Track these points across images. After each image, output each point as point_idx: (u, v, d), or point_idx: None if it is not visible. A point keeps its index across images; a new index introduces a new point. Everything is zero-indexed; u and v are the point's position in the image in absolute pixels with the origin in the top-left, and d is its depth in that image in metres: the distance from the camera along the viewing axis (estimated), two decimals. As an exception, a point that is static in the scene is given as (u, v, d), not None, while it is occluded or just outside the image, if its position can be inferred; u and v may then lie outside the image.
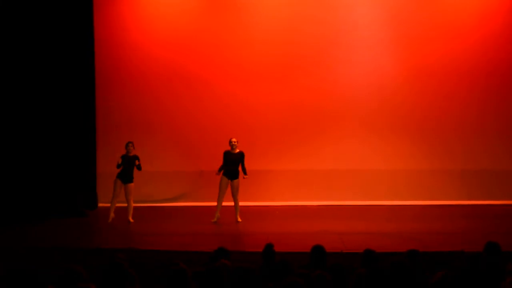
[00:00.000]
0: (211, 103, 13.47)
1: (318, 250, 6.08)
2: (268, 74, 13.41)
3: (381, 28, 13.35)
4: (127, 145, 11.38)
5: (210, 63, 13.48)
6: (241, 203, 12.69)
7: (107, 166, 13.31)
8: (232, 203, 11.27)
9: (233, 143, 11.20)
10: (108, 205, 12.36)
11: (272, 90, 13.39)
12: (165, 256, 8.12)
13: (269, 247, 6.33)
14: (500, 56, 13.17)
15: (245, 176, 11.16)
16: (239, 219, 11.17)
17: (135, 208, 12.54)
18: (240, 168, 11.18)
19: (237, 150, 11.20)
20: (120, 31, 13.53)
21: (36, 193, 12.09)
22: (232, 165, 11.16)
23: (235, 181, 11.18)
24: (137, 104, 13.54)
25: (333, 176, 12.93)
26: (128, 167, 11.34)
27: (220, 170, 11.15)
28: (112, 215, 11.34)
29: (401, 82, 13.30)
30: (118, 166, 11.30)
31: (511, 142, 13.25)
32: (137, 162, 11.33)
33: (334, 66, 13.36)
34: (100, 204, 13.16)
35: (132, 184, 11.41)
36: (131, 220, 11.40)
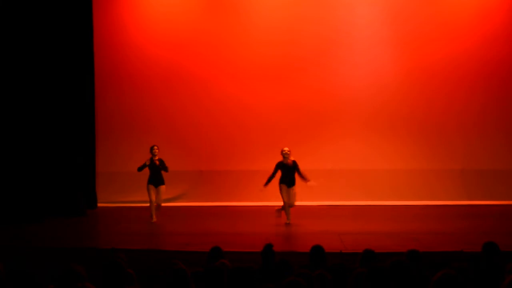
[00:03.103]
0: (210, 103, 13.46)
1: (317, 250, 6.08)
2: (267, 75, 13.40)
3: (381, 29, 13.34)
4: (152, 149, 11.34)
5: (209, 64, 13.47)
6: (238, 203, 12.73)
7: (106, 166, 13.34)
8: (225, 204, 11.20)
9: (285, 153, 11.14)
10: (109, 204, 12.43)
11: (271, 90, 13.38)
12: (165, 256, 8.12)
13: (268, 247, 6.33)
14: (500, 56, 13.15)
15: (308, 182, 11.06)
16: (289, 221, 11.05)
17: (134, 208, 12.60)
18: (296, 176, 11.11)
19: (291, 160, 11.14)
20: (119, 31, 13.53)
21: (36, 193, 12.07)
22: (290, 174, 11.11)
23: (293, 187, 11.12)
24: (136, 104, 13.54)
25: (333, 176, 12.90)
26: (157, 171, 11.33)
27: (267, 182, 11.09)
28: (154, 217, 11.31)
29: (402, 83, 13.29)
30: (140, 168, 11.33)
31: (511, 142, 13.24)
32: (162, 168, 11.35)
33: (334, 67, 13.35)
34: (99, 204, 13.16)
35: (163, 186, 11.38)
36: (154, 220, 11.29)
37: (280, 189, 11.10)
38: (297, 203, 12.90)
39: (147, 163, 11.32)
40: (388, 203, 12.90)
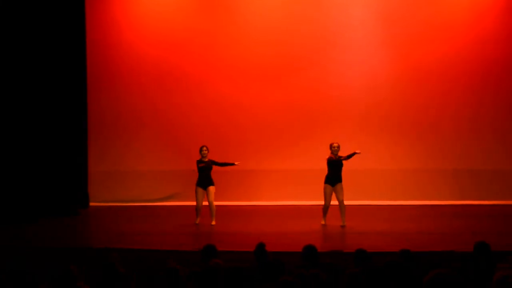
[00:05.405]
0: (204, 103, 13.46)
1: (310, 249, 6.11)
2: (261, 74, 13.41)
3: (375, 28, 13.37)
4: (201, 150, 11.11)
5: (203, 63, 13.48)
6: (233, 203, 12.71)
7: (98, 165, 13.32)
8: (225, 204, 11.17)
9: (334, 147, 10.78)
10: (101, 204, 12.40)
11: (265, 90, 13.40)
12: (158, 255, 8.11)
13: (260, 246, 6.35)
14: (494, 56, 13.19)
15: (356, 153, 10.68)
16: (345, 223, 10.69)
17: (126, 207, 12.58)
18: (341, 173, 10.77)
19: (339, 155, 10.77)
20: (112, 30, 13.51)
21: (28, 193, 12.04)
22: (337, 171, 10.80)
23: (338, 184, 10.77)
24: (129, 103, 13.52)
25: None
26: (206, 172, 11.10)
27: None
28: (199, 219, 11.05)
29: (396, 83, 13.32)
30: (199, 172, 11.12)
31: (505, 142, 13.29)
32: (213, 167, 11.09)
33: (328, 66, 13.38)
34: (91, 203, 13.14)
35: (212, 187, 11.01)
36: (213, 223, 10.98)
37: (324, 189, 10.79)
38: (291, 202, 12.97)
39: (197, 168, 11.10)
40: (381, 203, 12.92)
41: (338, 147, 10.82)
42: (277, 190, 13.23)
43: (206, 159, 11.14)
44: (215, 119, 13.45)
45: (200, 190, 11.08)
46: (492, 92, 13.30)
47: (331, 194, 10.82)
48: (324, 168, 10.94)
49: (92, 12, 13.24)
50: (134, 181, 13.38)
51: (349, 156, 10.83)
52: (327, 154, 10.94)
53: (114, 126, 13.49)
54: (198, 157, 11.18)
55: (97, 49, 13.35)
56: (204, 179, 11.09)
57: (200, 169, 11.13)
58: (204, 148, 11.15)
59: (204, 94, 13.47)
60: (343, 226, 10.68)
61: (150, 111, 13.51)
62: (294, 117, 13.37)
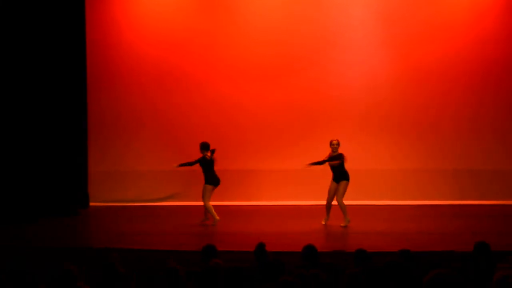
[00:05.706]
0: (204, 103, 13.47)
1: (310, 249, 6.12)
2: (261, 74, 13.42)
3: (375, 28, 13.37)
4: (212, 152, 11.05)
5: (202, 63, 13.48)
6: (231, 203, 12.71)
7: (98, 165, 13.33)
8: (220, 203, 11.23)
9: (334, 144, 10.81)
10: (101, 204, 12.41)
11: (265, 90, 13.41)
12: (158, 255, 8.12)
13: (260, 246, 6.36)
14: (494, 56, 13.19)
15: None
16: (345, 223, 10.71)
17: (126, 207, 12.59)
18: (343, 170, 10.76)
19: (338, 152, 10.78)
20: (112, 30, 13.51)
21: (28, 193, 12.04)
22: (336, 169, 10.79)
23: (341, 182, 10.75)
24: (129, 103, 13.53)
25: (326, 176, 12.93)
26: (203, 171, 11.09)
27: (313, 164, 10.87)
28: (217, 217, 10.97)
29: (395, 83, 13.33)
30: (189, 164, 11.12)
31: (505, 142, 13.29)
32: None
33: (328, 66, 13.38)
34: (91, 203, 13.14)
35: (204, 186, 10.97)
36: (213, 223, 10.96)
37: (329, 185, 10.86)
38: (291, 202, 12.97)
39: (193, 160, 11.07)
40: (381, 203, 12.93)
41: (338, 144, 10.82)
42: (277, 190, 13.23)
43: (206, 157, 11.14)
44: (215, 119, 13.45)
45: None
46: (492, 92, 13.30)
47: (334, 191, 10.82)
48: (323, 168, 10.95)
49: (92, 12, 13.24)
50: (134, 181, 13.39)
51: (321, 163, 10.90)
52: (325, 154, 10.95)
53: (114, 126, 13.50)
54: (198, 157, 11.19)
55: (97, 49, 13.35)
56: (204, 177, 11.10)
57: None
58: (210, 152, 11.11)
59: (204, 94, 13.47)
60: (343, 226, 10.70)
61: (150, 111, 13.52)
62: (294, 117, 13.37)
